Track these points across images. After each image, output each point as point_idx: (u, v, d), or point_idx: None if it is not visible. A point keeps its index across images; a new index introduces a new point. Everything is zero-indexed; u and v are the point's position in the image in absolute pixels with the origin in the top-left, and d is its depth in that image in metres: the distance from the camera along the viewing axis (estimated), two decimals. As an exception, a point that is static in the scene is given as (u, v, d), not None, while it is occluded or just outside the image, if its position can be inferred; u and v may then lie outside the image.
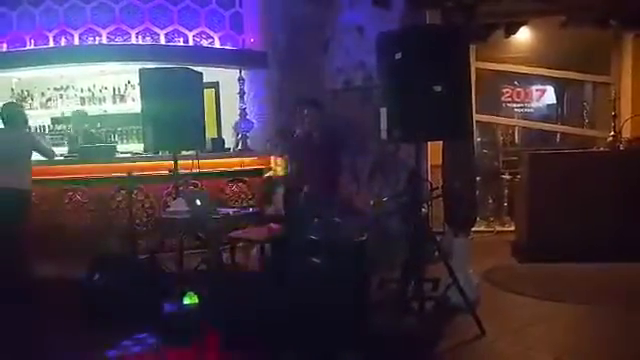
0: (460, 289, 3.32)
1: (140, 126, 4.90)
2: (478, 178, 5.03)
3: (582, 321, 3.59)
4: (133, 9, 5.84)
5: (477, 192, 4.77)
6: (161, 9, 5.89)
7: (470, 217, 4.17)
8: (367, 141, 4.98)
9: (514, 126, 7.27)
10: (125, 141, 6.22)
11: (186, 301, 3.64)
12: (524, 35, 6.50)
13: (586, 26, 5.80)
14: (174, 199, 4.28)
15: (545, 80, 7.10)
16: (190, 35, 5.96)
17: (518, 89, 7.19)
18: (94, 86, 6.45)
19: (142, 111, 4.22)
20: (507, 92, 7.20)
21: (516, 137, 7.26)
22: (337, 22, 5.36)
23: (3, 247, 4.15)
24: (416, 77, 3.10)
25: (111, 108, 6.40)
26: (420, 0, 4.90)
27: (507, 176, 6.72)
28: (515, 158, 6.53)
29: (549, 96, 7.25)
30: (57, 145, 5.78)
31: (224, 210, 4.30)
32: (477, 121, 5.61)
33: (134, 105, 5.95)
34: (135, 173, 4.73)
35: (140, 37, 5.85)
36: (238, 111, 5.97)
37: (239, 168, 5.68)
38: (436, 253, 3.45)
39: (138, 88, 4.40)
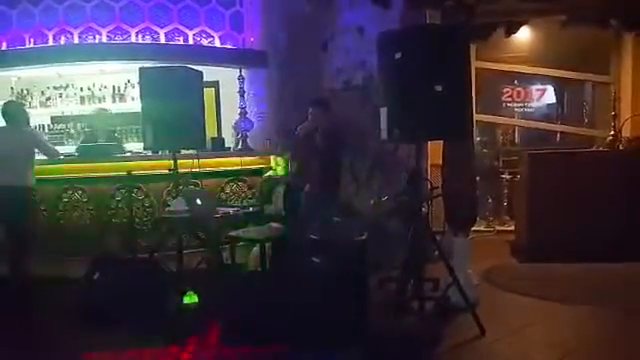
0: (460, 289, 3.32)
1: (140, 125, 4.89)
2: (478, 178, 5.03)
3: (582, 321, 3.59)
4: (133, 8, 5.81)
5: (477, 192, 4.76)
6: (161, 8, 5.87)
7: (470, 217, 4.17)
8: (366, 141, 4.97)
9: (514, 126, 7.28)
10: (125, 140, 6.21)
11: (186, 301, 3.65)
12: (524, 35, 6.51)
13: (586, 26, 5.79)
14: (174, 198, 4.28)
15: (545, 80, 7.11)
16: (190, 34, 5.95)
17: (518, 89, 7.20)
18: (94, 85, 6.44)
19: (142, 110, 4.19)
20: (507, 92, 7.21)
21: (516, 137, 7.28)
22: (337, 22, 5.35)
23: (7, 245, 4.15)
24: (416, 77, 3.09)
25: (111, 107, 6.38)
26: (420, -1, 4.91)
27: (507, 176, 6.72)
28: (515, 158, 6.53)
29: (549, 96, 7.26)
30: (57, 144, 5.75)
31: (224, 209, 4.29)
32: (477, 121, 5.61)
33: (134, 104, 5.93)
34: (135, 172, 4.72)
35: (140, 36, 5.83)
36: (238, 110, 5.95)
37: (239, 167, 5.67)
38: (436, 253, 3.45)
39: (138, 87, 4.39)
